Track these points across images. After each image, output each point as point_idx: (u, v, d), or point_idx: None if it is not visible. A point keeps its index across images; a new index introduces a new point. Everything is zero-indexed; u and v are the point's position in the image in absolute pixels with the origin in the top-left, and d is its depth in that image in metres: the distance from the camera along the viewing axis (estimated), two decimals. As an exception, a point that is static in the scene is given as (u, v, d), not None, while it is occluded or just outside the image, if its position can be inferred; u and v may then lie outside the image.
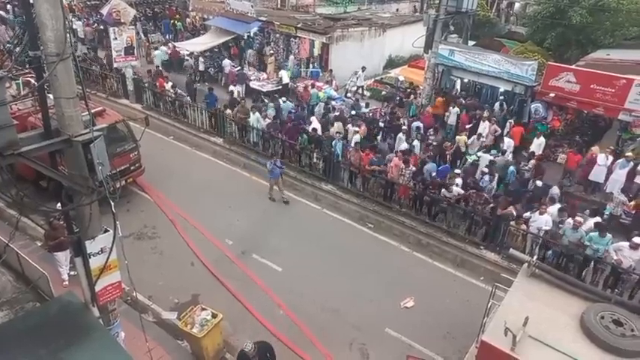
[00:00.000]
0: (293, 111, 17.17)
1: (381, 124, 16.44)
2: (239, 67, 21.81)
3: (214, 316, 8.67)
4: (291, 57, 22.84)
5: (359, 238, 12.64)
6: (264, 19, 23.73)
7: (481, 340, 6.96)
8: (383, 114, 17.48)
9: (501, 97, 17.51)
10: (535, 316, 6.79)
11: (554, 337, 6.71)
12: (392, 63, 24.69)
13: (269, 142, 15.63)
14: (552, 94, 15.18)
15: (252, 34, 24.41)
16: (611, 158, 13.43)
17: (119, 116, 13.40)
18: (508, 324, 6.64)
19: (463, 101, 17.29)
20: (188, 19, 29.09)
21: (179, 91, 18.62)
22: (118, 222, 5.54)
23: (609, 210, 12.66)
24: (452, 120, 16.74)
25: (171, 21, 28.29)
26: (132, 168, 13.29)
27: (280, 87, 20.36)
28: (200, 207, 13.21)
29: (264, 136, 15.72)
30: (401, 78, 21.04)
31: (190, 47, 23.34)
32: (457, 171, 13.49)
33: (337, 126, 15.46)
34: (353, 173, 14.22)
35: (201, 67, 22.39)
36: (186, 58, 23.09)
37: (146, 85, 18.99)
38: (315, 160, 14.75)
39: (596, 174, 13.56)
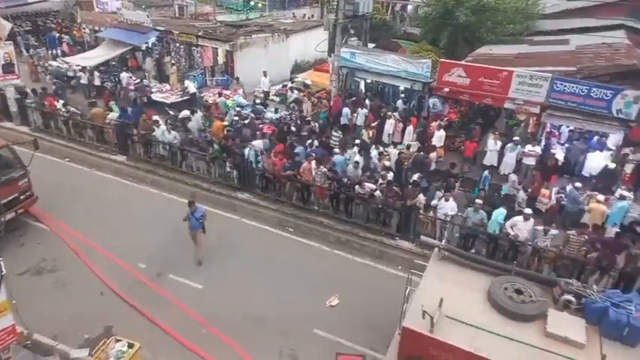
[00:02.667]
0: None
1: (293, 129, 16.52)
2: (138, 80, 20.68)
3: (131, 346, 8.09)
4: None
5: (280, 243, 12.56)
6: (162, 28, 22.85)
7: (402, 327, 7.22)
8: (293, 118, 17.58)
9: (402, 95, 18.48)
10: (449, 296, 7.19)
11: (466, 313, 7.16)
12: (298, 68, 24.99)
13: (177, 155, 15.01)
14: (447, 89, 16.34)
15: (150, 45, 23.31)
16: (500, 143, 14.74)
17: (1, 141, 12.06)
18: (425, 307, 6.96)
19: (369, 102, 17.91)
20: (77, 32, 27.02)
21: (72, 109, 17.19)
22: (1, 259, 4.91)
23: (505, 190, 13.88)
24: (360, 120, 17.29)
25: (59, 34, 26.11)
26: (22, 197, 12.01)
27: (188, 97, 19.66)
28: (106, 231, 12.28)
29: (172, 150, 15.06)
30: (308, 82, 21.36)
31: (82, 62, 21.71)
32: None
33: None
34: (269, 179, 14.13)
35: (97, 82, 20.91)
36: (78, 73, 21.40)
37: (32, 104, 17.30)
38: (228, 169, 14.43)
39: (489, 158, 14.79)
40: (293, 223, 13.17)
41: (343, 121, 17.31)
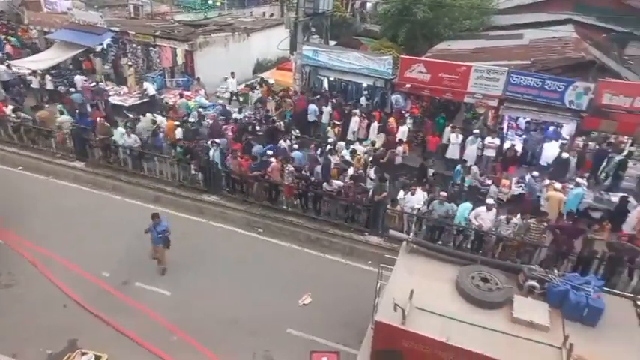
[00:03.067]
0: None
1: (257, 128, 16.38)
2: (94, 83, 19.95)
3: (98, 358, 7.85)
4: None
5: (249, 244, 12.43)
6: (116, 29, 22.10)
7: (375, 320, 7.30)
8: (258, 118, 17.42)
9: (365, 92, 18.66)
10: (419, 288, 7.32)
11: (436, 304, 7.30)
12: (260, 67, 24.79)
13: (138, 159, 14.58)
14: (408, 85, 16.61)
15: (105, 46, 22.52)
16: (460, 137, 15.12)
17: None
18: (396, 300, 7.05)
19: (334, 100, 17.95)
20: (23, 34, 25.70)
21: (23, 115, 16.37)
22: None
23: (468, 182, 14.26)
24: (325, 119, 17.32)
25: (4, 36, 24.78)
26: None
27: (147, 99, 19.11)
28: (67, 241, 11.79)
29: (133, 154, 14.62)
30: (271, 81, 21.22)
31: (32, 65, 20.71)
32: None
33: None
34: (235, 181, 13.96)
35: (50, 86, 19.99)
36: (29, 77, 20.39)
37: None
38: (192, 171, 14.14)
39: (451, 152, 15.16)
40: (262, 224, 13.06)
41: (311, 118, 17.30)
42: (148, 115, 16.43)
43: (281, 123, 17.03)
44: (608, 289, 7.73)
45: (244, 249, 12.18)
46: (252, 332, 9.60)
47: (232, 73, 20.51)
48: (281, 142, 14.92)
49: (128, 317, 9.75)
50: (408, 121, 16.35)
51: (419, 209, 11.92)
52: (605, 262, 10.42)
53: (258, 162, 13.56)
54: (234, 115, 17.15)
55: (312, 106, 17.22)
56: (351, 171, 13.26)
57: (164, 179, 14.48)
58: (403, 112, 17.13)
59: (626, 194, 12.82)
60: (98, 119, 15.79)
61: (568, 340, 6.47)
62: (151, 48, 22.03)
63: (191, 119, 16.59)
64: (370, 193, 12.57)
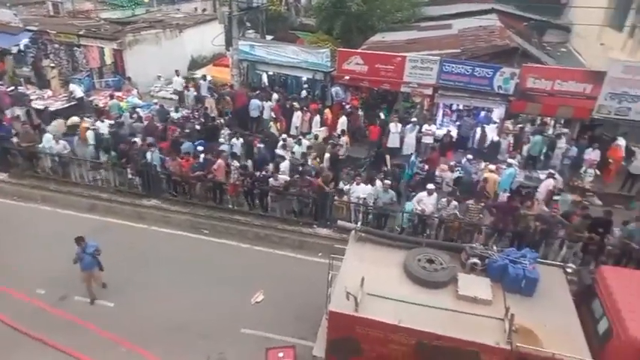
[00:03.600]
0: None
1: (197, 127, 15.90)
2: (12, 87, 18.44)
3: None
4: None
5: (196, 246, 12.09)
6: (35, 28, 20.54)
7: (329, 311, 7.37)
8: (196, 117, 16.91)
9: (306, 85, 18.66)
10: (369, 275, 7.48)
11: (387, 288, 7.50)
12: (195, 64, 24.05)
13: (68, 166, 13.71)
14: (347, 77, 16.80)
15: (22, 47, 20.87)
16: (400, 126, 15.54)
17: None
18: (348, 289, 7.16)
19: (278, 95, 17.75)
20: None
21: None
22: None
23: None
24: (267, 114, 17.13)
25: None
26: None
27: (75, 102, 17.96)
28: (-7, 259, 10.87)
29: (63, 161, 13.71)
30: (208, 77, 20.65)
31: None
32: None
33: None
34: (176, 182, 13.50)
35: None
36: None
37: None
38: (130, 176, 13.51)
39: (392, 140, 15.55)
40: (208, 225, 12.74)
41: (254, 114, 17.04)
42: (60, 120, 15.39)
43: (221, 120, 16.66)
44: (541, 260, 8.29)
45: (191, 252, 11.82)
46: (205, 335, 9.37)
47: (177, 72, 19.82)
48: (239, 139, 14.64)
49: (70, 335, 9.19)
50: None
51: (364, 199, 12.12)
52: (538, 235, 11.15)
53: (201, 161, 13.18)
54: (172, 115, 16.54)
55: (255, 102, 16.97)
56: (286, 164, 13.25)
57: (98, 185, 13.72)
58: (344, 104, 17.33)
59: (552, 171, 13.78)
60: (21, 126, 14.63)
61: (509, 312, 6.88)
62: (76, 48, 20.72)
63: (123, 120, 15.77)
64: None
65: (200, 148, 13.67)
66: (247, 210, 13.01)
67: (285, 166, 13.18)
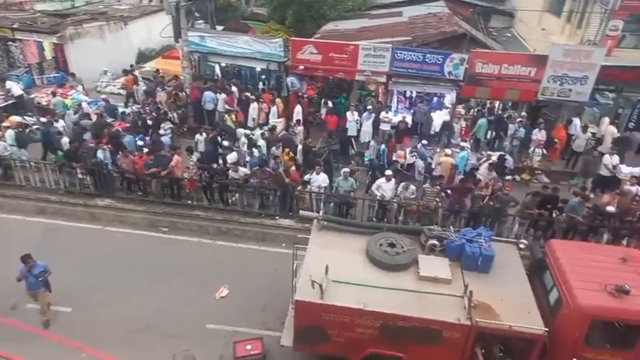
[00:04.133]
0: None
1: (149, 122, 15.40)
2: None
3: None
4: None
5: (155, 245, 11.77)
6: (-39, 22, 19.08)
7: (295, 300, 7.42)
8: (148, 111, 16.35)
9: (263, 76, 18.41)
10: (333, 262, 7.58)
11: (351, 274, 7.64)
12: (144, 57, 23.20)
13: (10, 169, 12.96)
14: (302, 67, 16.71)
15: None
16: (356, 114, 15.70)
17: None
18: (313, 277, 7.24)
19: (234, 87, 17.38)
20: None
21: None
22: None
23: (368, 157, 14.94)
24: (221, 106, 16.80)
25: None
26: None
27: (13, 101, 16.90)
28: None
29: (4, 163, 12.94)
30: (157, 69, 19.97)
31: None
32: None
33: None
34: (130, 180, 13.06)
35: None
36: None
37: None
38: (80, 175, 12.93)
39: (350, 129, 15.69)
40: (166, 222, 12.43)
41: (209, 107, 16.68)
42: None
43: (174, 114, 16.21)
44: (496, 237, 8.69)
45: (150, 251, 11.51)
46: (170, 334, 9.19)
47: (132, 66, 18.99)
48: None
49: (24, 343, 8.76)
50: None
51: (325, 187, 12.20)
52: (493, 213, 11.64)
53: (155, 158, 12.78)
54: (121, 110, 15.93)
55: (209, 94, 16.58)
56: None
57: (47, 187, 13.05)
58: (300, 94, 17.27)
59: (503, 152, 14.40)
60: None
61: (468, 289, 7.19)
62: (10, 43, 19.44)
63: (65, 119, 15.02)
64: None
65: (140, 142, 13.26)
66: (207, 205, 12.78)
67: (232, 157, 12.98)
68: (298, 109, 15.94)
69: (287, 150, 13.73)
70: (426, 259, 7.97)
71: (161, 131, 14.68)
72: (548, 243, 8.72)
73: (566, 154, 15.23)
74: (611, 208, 11.22)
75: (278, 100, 16.55)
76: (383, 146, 14.44)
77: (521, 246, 8.70)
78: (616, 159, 13.59)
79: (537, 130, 14.88)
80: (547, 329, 6.88)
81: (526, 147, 15.04)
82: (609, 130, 14.81)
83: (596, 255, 8.12)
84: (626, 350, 7.04)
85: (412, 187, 12.00)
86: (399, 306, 7.17)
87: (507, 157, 14.09)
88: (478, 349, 7.05)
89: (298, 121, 15.43)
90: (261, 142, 14.23)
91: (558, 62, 14.61)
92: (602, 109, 16.30)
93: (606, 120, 15.38)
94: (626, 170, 13.62)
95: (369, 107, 15.97)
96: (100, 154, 12.79)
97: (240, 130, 15.01)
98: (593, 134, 15.21)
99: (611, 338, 7.18)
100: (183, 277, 10.62)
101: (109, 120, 15.22)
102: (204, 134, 14.41)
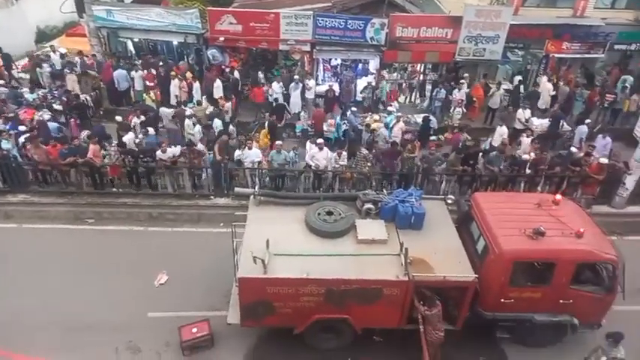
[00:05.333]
0: None
1: (59, 107, 14.15)
2: None
3: None
4: None
5: (83, 238, 11.07)
6: None
7: (238, 278, 7.38)
8: (56, 95, 14.99)
9: (188, 51, 17.45)
10: (273, 236, 7.60)
11: (292, 246, 7.72)
12: (44, 35, 21.07)
13: None
14: (222, 38, 16.06)
15: None
16: (294, 84, 15.41)
17: None
18: (254, 253, 7.22)
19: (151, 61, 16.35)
20: None
21: None
22: None
23: (300, 128, 14.91)
24: (139, 85, 15.80)
25: None
26: None
27: None
28: None
29: None
30: (63, 50, 18.24)
31: None
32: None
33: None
34: (46, 172, 12.04)
35: None
36: None
37: None
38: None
39: (294, 101, 15.40)
40: (92, 213, 11.71)
41: (123, 86, 15.61)
42: None
43: (87, 97, 15.02)
44: (426, 196, 9.12)
45: (78, 245, 10.80)
46: (110, 328, 8.79)
47: (53, 47, 17.31)
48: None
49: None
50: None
51: (259, 162, 12.04)
52: (421, 173, 12.17)
53: (70, 146, 11.83)
54: (27, 96, 14.48)
55: (121, 72, 15.52)
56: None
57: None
58: (223, 67, 16.66)
59: (427, 114, 14.98)
60: None
61: (403, 247, 7.55)
62: None
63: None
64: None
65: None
66: (135, 191, 12.15)
67: (128, 138, 12.39)
68: (218, 83, 15.34)
69: (264, 131, 13.45)
70: (363, 223, 8.21)
71: (46, 116, 13.52)
72: (472, 196, 9.31)
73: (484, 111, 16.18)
74: (526, 157, 12.15)
75: (187, 74, 15.62)
76: (345, 121, 14.39)
77: (449, 201, 9.23)
78: (528, 112, 14.68)
79: (457, 90, 15.59)
80: (477, 276, 7.44)
81: (448, 107, 15.74)
82: (546, 87, 15.76)
83: (515, 203, 8.83)
84: (544, 285, 7.81)
85: (344, 154, 12.18)
86: (341, 271, 7.38)
87: (431, 117, 14.69)
88: (416, 301, 7.48)
89: (221, 97, 14.89)
90: (217, 123, 13.66)
91: (472, 22, 15.27)
92: (513, 66, 17.38)
93: (544, 78, 16.11)
94: (536, 122, 14.78)
95: (296, 77, 15.81)
96: (4, 144, 11.62)
97: (164, 110, 14.29)
98: (507, 91, 16.23)
99: (531, 277, 7.91)
100: (117, 268, 10.11)
101: (14, 107, 13.82)
102: (141, 117, 13.59)
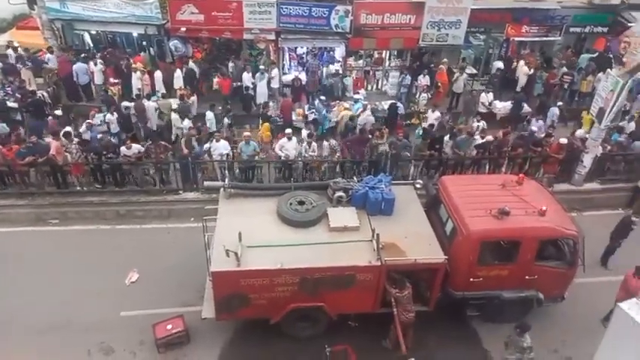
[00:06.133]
0: None
1: (13, 104, 13.53)
2: None
3: None
4: None
5: (47, 240, 10.76)
6: None
7: (211, 272, 7.33)
8: (10, 92, 14.30)
9: (145, 43, 16.90)
10: (246, 228, 7.57)
11: (265, 237, 7.72)
12: (-8, 29, 20.00)
13: None
14: (184, 29, 15.63)
15: None
16: (259, 74, 15.21)
17: None
18: (227, 246, 7.18)
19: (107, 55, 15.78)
20: None
21: None
22: None
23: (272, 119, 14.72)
24: (98, 79, 15.26)
25: None
26: None
27: None
28: None
29: None
30: (15, 44, 17.37)
31: None
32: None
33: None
34: (4, 173, 11.53)
35: None
36: None
37: None
38: None
39: (259, 91, 15.16)
40: (56, 213, 11.37)
41: (82, 80, 15.03)
42: None
43: (44, 93, 14.41)
44: (395, 181, 9.26)
45: (43, 247, 10.47)
46: (82, 329, 8.63)
47: (10, 43, 16.36)
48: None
49: None
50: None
51: (227, 154, 11.89)
52: (390, 159, 12.32)
53: (28, 146, 11.33)
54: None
55: (80, 65, 14.91)
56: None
57: None
58: (185, 58, 16.26)
59: (394, 101, 15.11)
60: None
61: (375, 232, 7.66)
62: None
63: None
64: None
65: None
66: (100, 189, 11.80)
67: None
68: (178, 74, 14.95)
69: (266, 125, 13.26)
70: (334, 211, 8.27)
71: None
72: (440, 180, 9.52)
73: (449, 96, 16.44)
74: (490, 138, 12.48)
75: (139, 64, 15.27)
76: (324, 111, 14.33)
77: (418, 186, 9.42)
78: (491, 96, 15.02)
79: (422, 76, 15.78)
80: (446, 257, 7.65)
81: (413, 93, 15.92)
82: (523, 70, 16.07)
83: (480, 185, 9.10)
84: (511, 263, 8.11)
85: (314, 144, 12.18)
86: (314, 259, 7.44)
87: (398, 104, 14.84)
88: (389, 284, 7.64)
89: (180, 87, 14.53)
90: (210, 115, 13.44)
91: (434, 8, 15.41)
92: (475, 50, 17.71)
93: (521, 62, 16.32)
94: (499, 105, 15.17)
95: (262, 67, 15.61)
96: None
97: (125, 104, 13.88)
98: (470, 75, 16.54)
99: (498, 255, 8.20)
100: (86, 268, 9.87)
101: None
102: (115, 114, 13.18)
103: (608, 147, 12.56)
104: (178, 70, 14.98)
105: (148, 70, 15.19)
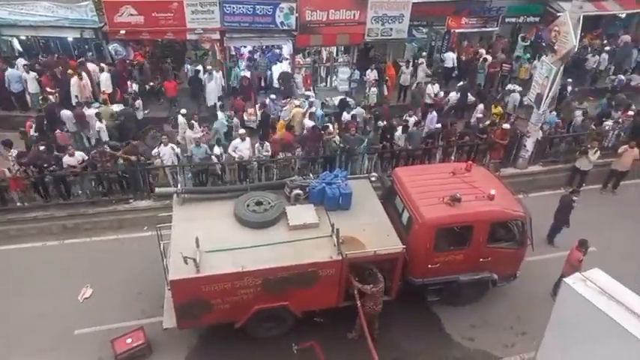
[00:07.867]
0: None
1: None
2: None
3: None
4: None
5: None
6: None
7: (170, 281, 7.12)
8: None
9: (86, 47, 16.06)
10: (203, 233, 7.40)
11: (223, 240, 7.57)
12: None
13: None
14: (123, 31, 15.02)
15: None
16: (207, 75, 14.88)
17: None
18: (184, 253, 6.99)
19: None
20: None
21: None
22: None
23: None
24: (32, 87, 14.34)
25: None
26: None
27: None
28: None
29: None
30: None
31: None
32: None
33: None
34: None
35: None
36: None
37: None
38: None
39: (209, 92, 14.85)
40: (-5, 232, 10.60)
41: (16, 88, 14.11)
42: None
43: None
44: (350, 176, 9.36)
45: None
46: (33, 352, 8.14)
47: None
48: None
49: None
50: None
51: (179, 158, 11.56)
52: (345, 155, 12.42)
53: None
54: None
55: (14, 72, 14.03)
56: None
57: None
58: (127, 61, 15.65)
59: (344, 96, 15.25)
60: None
61: (334, 227, 7.72)
62: None
63: None
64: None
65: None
66: (44, 202, 11.14)
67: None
68: (104, 76, 14.26)
69: (282, 122, 13.07)
70: (293, 209, 8.25)
71: None
72: (393, 171, 9.72)
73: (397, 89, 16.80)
74: (438, 125, 12.86)
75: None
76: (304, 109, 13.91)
77: (373, 178, 9.57)
78: (437, 87, 15.49)
79: (370, 70, 16.02)
80: (404, 246, 7.84)
81: (363, 88, 16.15)
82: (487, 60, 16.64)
83: (432, 174, 9.35)
84: (465, 247, 8.42)
85: (267, 144, 12.08)
86: (276, 259, 7.39)
87: (348, 99, 15.00)
88: (352, 277, 7.72)
89: (104, 92, 13.99)
90: (218, 124, 13.06)
91: (377, 3, 15.67)
92: (419, 43, 18.19)
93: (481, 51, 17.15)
94: (454, 98, 15.66)
95: (209, 67, 15.29)
96: None
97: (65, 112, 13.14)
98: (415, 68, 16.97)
99: (453, 241, 8.49)
100: (34, 288, 9.32)
101: None
102: (104, 121, 12.63)
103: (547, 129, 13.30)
104: (105, 73, 14.33)
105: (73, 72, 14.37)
